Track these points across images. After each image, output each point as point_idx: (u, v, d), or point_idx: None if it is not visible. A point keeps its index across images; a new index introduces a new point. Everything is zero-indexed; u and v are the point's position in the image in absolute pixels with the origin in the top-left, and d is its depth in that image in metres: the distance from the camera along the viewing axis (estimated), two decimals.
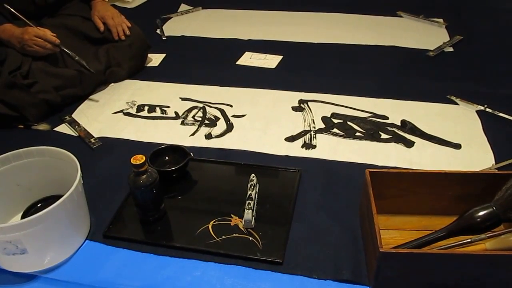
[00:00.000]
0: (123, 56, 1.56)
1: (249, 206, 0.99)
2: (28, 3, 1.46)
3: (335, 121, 1.33)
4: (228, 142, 1.26)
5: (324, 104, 1.42)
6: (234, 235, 0.96)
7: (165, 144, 1.19)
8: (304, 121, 1.34)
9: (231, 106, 1.43)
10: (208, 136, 1.29)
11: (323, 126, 1.31)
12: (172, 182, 1.11)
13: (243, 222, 0.98)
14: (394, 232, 0.94)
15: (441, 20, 1.97)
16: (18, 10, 1.37)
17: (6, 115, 1.31)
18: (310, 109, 1.39)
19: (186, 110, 1.41)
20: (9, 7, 1.36)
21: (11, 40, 1.36)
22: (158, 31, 1.97)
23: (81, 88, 1.46)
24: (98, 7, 1.60)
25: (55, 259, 0.91)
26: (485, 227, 0.84)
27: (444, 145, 1.22)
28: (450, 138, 1.24)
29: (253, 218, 0.98)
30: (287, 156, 1.20)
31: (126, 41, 1.57)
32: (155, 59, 1.73)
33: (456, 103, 1.40)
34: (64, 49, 1.39)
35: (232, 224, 0.99)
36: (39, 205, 1.04)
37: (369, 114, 1.36)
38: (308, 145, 1.24)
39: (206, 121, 1.36)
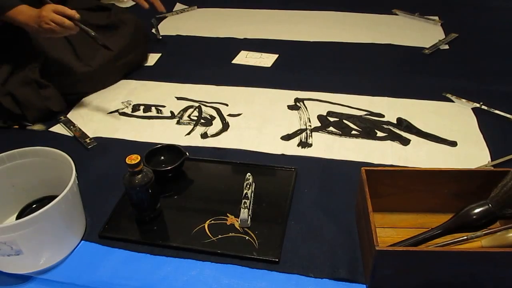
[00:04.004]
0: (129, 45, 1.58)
1: (245, 205, 0.98)
2: None
3: (331, 119, 1.33)
4: (224, 141, 1.26)
5: (320, 103, 1.41)
6: (230, 234, 0.96)
7: (161, 143, 1.19)
8: (300, 119, 1.34)
9: (227, 105, 1.42)
10: (204, 136, 1.29)
11: (319, 124, 1.31)
12: (167, 182, 1.11)
13: (239, 221, 0.97)
14: (390, 230, 0.94)
15: (436, 17, 1.97)
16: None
17: (8, 111, 1.31)
18: (306, 108, 1.39)
19: (182, 110, 1.41)
20: None
21: (28, 22, 1.24)
22: (153, 30, 1.97)
23: (91, 84, 1.48)
24: None
25: (50, 260, 0.91)
26: (481, 224, 0.83)
27: (440, 142, 1.22)
28: (446, 135, 1.25)
29: (249, 217, 0.98)
30: (283, 154, 1.20)
31: (127, 30, 1.59)
32: (150, 58, 1.73)
33: (452, 101, 1.40)
34: (82, 26, 1.26)
35: (228, 223, 0.99)
36: (34, 205, 1.04)
37: (365, 112, 1.36)
38: (304, 144, 1.24)
39: (202, 121, 1.35)
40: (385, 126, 1.29)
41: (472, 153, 1.18)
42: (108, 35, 1.52)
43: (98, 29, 1.50)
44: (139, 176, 0.93)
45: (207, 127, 1.32)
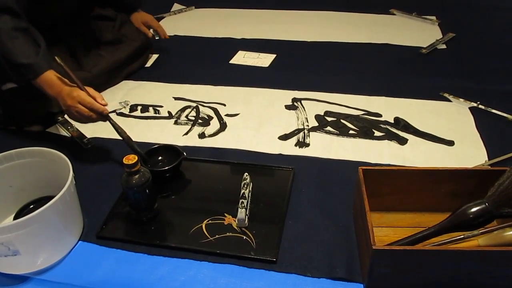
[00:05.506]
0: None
1: (243, 205, 0.98)
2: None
3: (329, 119, 1.33)
4: (221, 141, 1.26)
5: (318, 102, 1.41)
6: (228, 234, 0.96)
7: (158, 144, 1.19)
8: (298, 119, 1.34)
9: (225, 105, 1.42)
10: (202, 136, 1.29)
11: (316, 124, 1.31)
12: (165, 182, 1.11)
13: (236, 221, 0.97)
14: (388, 229, 0.95)
15: (434, 17, 1.97)
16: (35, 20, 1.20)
17: (4, 116, 1.32)
18: (303, 108, 1.39)
19: (179, 110, 1.41)
20: (60, 61, 1.07)
21: (58, 100, 1.13)
22: (151, 30, 1.96)
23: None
24: (137, 15, 1.71)
25: (48, 261, 0.91)
26: (478, 223, 0.84)
27: (437, 142, 1.23)
28: (443, 135, 1.25)
29: (247, 217, 0.98)
30: (280, 154, 1.20)
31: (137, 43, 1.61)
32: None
33: (449, 100, 1.40)
34: (113, 121, 1.15)
35: (225, 223, 0.99)
36: (31, 206, 1.04)
37: (363, 112, 1.36)
38: (301, 144, 1.24)
39: (200, 121, 1.35)
40: (382, 126, 1.29)
41: (469, 152, 1.18)
42: (112, 48, 1.54)
43: (103, 43, 1.53)
44: (137, 176, 0.93)
45: (205, 127, 1.32)
